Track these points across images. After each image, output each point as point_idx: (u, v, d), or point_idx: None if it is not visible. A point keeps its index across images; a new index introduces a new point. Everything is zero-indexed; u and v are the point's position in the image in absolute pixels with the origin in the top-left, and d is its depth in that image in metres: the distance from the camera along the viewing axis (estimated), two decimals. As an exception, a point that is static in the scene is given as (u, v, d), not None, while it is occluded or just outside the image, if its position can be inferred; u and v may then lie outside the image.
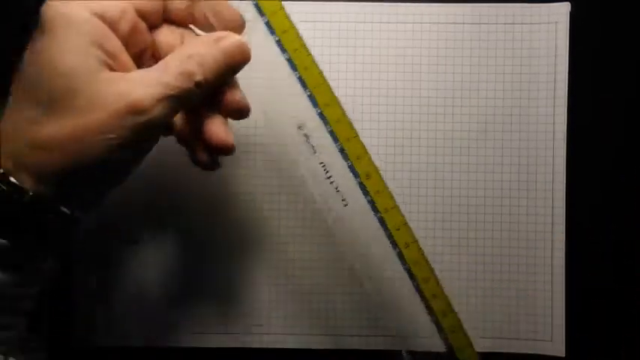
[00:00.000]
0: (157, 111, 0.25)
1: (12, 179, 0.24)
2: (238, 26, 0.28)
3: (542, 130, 0.37)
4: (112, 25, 0.26)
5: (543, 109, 0.37)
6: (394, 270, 0.34)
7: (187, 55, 0.26)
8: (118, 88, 0.25)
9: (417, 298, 0.35)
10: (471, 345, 0.36)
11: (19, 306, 0.27)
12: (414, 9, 0.37)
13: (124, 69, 0.26)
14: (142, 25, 0.27)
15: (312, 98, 0.31)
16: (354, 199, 0.33)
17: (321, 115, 0.31)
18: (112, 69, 0.25)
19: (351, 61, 0.37)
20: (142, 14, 0.27)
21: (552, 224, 0.37)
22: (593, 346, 0.37)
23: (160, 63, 0.26)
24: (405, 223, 0.33)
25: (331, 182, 0.32)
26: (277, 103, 0.32)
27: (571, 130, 0.37)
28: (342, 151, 0.32)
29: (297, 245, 0.36)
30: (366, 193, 0.32)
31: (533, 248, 0.37)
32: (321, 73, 0.31)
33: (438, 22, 0.37)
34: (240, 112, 0.28)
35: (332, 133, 0.32)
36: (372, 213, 0.33)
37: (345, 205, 0.32)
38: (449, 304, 0.35)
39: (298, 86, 0.31)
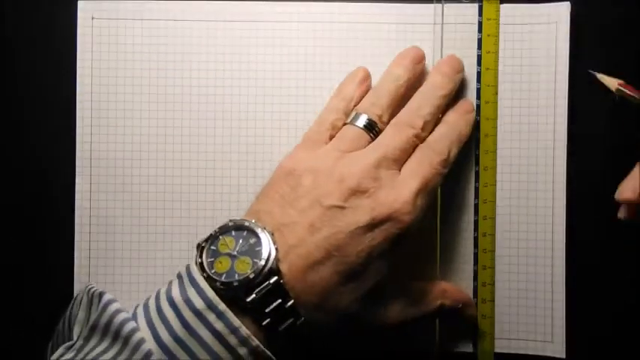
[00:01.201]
0: None
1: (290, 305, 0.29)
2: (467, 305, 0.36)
3: (543, 131, 0.37)
4: None
5: (544, 109, 0.37)
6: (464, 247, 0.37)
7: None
8: None
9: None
10: (492, 354, 0.37)
11: None
12: (416, 9, 0.37)
13: None
14: None
15: (479, 75, 0.37)
16: (465, 150, 0.36)
17: (478, 91, 0.37)
18: None
19: (352, 62, 0.37)
20: None
21: (552, 224, 0.37)
22: (593, 347, 0.37)
23: None
24: (494, 184, 0.37)
25: None
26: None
27: (571, 131, 0.37)
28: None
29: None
30: (477, 147, 0.37)
31: (533, 248, 0.37)
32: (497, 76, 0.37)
33: (439, 23, 0.37)
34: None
35: (478, 107, 0.37)
36: (474, 166, 0.37)
37: None
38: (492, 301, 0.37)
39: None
